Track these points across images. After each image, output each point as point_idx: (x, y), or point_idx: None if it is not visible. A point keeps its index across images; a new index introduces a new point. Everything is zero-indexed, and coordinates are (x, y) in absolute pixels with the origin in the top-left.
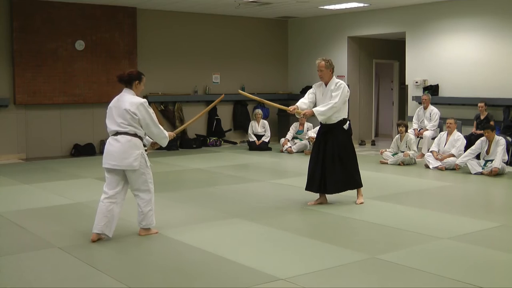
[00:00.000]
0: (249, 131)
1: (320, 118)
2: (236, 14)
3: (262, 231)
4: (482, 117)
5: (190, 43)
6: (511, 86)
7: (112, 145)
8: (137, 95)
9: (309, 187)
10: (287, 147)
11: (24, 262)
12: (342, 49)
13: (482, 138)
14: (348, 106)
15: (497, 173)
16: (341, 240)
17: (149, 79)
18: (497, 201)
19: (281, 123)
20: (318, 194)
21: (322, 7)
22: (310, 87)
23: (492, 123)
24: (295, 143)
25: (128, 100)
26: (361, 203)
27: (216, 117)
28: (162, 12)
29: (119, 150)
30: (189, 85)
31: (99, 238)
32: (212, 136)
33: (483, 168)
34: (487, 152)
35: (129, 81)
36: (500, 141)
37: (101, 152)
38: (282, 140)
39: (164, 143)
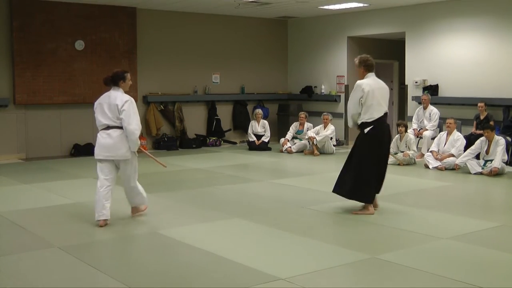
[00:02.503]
0: (249, 131)
1: (350, 125)
2: (236, 14)
3: (262, 231)
4: (482, 117)
5: (190, 43)
6: (511, 86)
7: (104, 138)
8: (125, 92)
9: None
10: (286, 147)
11: (24, 262)
12: (342, 49)
13: (481, 138)
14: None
15: (496, 173)
16: (341, 240)
17: (148, 79)
18: (497, 201)
19: (281, 123)
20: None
21: (322, 7)
22: (310, 87)
23: (491, 123)
24: (295, 143)
25: (119, 97)
26: (356, 213)
27: (216, 117)
28: (162, 12)
29: (112, 143)
30: (189, 85)
31: (106, 224)
32: (212, 136)
33: (482, 168)
34: (487, 152)
35: (114, 81)
36: (500, 141)
37: None
38: (282, 140)
39: (133, 146)
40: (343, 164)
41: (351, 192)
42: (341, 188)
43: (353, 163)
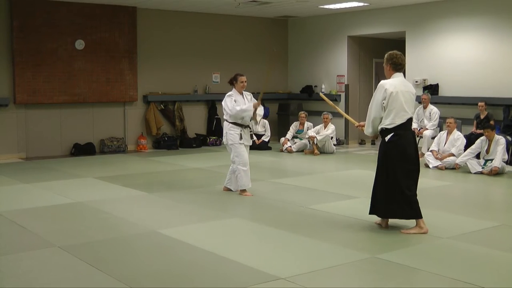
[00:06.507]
0: None
1: (368, 132)
2: (236, 13)
3: (262, 230)
4: (482, 117)
5: (190, 43)
6: (511, 86)
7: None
8: (237, 90)
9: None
10: (287, 146)
11: (24, 261)
12: (342, 48)
13: (482, 138)
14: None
15: (497, 173)
16: (341, 239)
17: (149, 79)
18: (497, 201)
19: (281, 123)
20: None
21: (322, 6)
22: (310, 86)
23: (492, 122)
24: (295, 143)
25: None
26: (408, 233)
27: (216, 117)
28: (162, 12)
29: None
30: (189, 85)
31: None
32: (212, 136)
33: (483, 168)
34: (487, 151)
35: (231, 83)
36: (500, 140)
37: (101, 152)
38: (282, 139)
39: (247, 115)
40: (342, 162)
41: (386, 210)
42: (374, 207)
43: (379, 177)
